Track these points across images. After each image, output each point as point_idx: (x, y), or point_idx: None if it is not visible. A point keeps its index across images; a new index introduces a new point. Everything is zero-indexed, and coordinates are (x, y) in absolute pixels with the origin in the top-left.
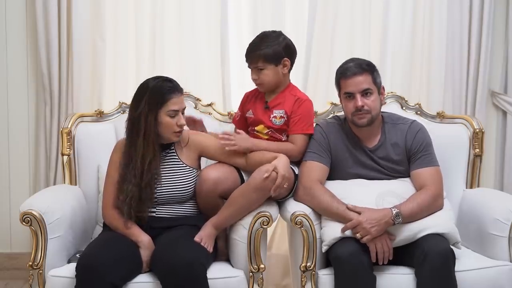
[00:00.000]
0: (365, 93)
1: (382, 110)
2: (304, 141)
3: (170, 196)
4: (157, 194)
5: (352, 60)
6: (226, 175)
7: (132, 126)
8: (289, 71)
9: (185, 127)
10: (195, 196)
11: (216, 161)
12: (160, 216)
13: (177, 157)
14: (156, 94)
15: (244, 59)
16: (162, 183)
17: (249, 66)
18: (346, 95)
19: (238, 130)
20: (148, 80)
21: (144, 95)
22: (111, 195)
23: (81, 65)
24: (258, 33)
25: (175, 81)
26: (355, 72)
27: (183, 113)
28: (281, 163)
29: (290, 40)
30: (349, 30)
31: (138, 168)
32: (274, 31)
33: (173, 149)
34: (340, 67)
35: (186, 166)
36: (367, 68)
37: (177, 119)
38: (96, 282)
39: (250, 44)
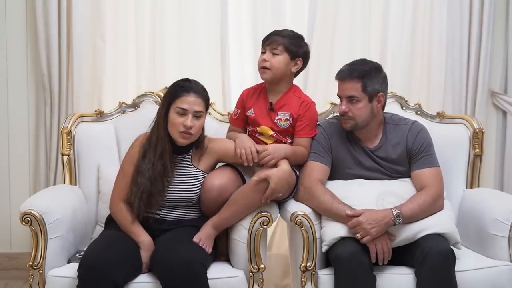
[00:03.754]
0: (351, 100)
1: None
2: (310, 144)
3: (177, 199)
4: (167, 196)
5: (353, 63)
6: (229, 182)
7: (154, 121)
8: (296, 74)
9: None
10: (199, 202)
11: (220, 166)
12: (164, 219)
13: (190, 162)
14: (171, 89)
15: (248, 45)
16: (173, 186)
17: (264, 47)
18: (338, 97)
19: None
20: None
21: (166, 92)
22: (121, 188)
23: (81, 65)
24: (257, 34)
25: (195, 82)
26: (344, 77)
27: (198, 117)
28: (279, 174)
29: (309, 50)
30: (349, 30)
31: (151, 159)
32: (300, 34)
33: (189, 155)
34: (342, 66)
35: (199, 171)
36: (358, 75)
37: (184, 119)
38: (99, 282)
39: (276, 30)
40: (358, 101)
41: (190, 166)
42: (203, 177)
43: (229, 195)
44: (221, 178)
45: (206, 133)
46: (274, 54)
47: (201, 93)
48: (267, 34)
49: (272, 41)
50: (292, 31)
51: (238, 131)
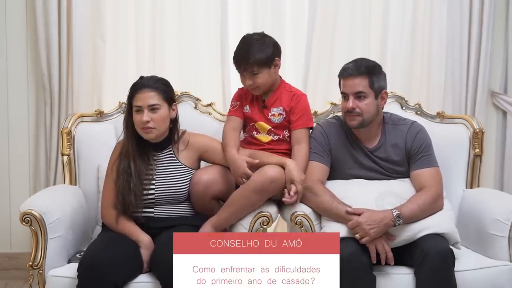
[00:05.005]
0: (359, 96)
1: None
2: (308, 135)
3: (167, 196)
4: (155, 194)
5: (355, 61)
6: (218, 177)
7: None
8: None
9: (188, 131)
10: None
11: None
12: (158, 216)
13: (174, 157)
14: (128, 92)
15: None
16: (159, 182)
17: (241, 72)
18: (342, 95)
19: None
20: None
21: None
22: (107, 196)
23: (81, 65)
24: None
25: (148, 77)
26: (351, 74)
27: (154, 109)
28: (295, 170)
29: (273, 38)
30: (349, 30)
31: (122, 162)
32: (257, 33)
33: (170, 149)
34: (344, 65)
35: (184, 167)
36: (365, 71)
37: (141, 116)
38: (98, 282)
39: (239, 51)
40: (366, 97)
41: (175, 162)
42: (189, 173)
43: (216, 190)
44: (209, 173)
45: (206, 133)
46: (254, 75)
47: (154, 86)
48: (235, 56)
49: (245, 67)
50: (251, 40)
51: (237, 123)
